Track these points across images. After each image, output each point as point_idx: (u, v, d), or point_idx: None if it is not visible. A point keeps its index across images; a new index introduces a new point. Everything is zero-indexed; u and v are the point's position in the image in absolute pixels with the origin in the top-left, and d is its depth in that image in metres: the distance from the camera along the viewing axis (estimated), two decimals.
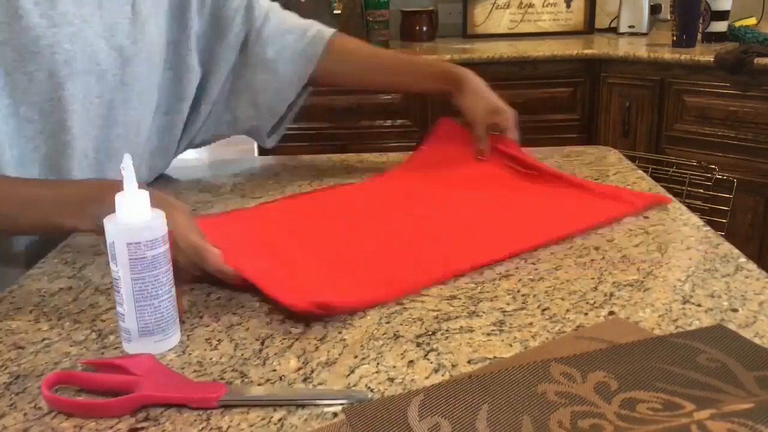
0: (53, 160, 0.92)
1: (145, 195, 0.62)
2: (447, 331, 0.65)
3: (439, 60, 1.03)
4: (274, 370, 0.60)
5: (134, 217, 0.61)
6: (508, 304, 0.70)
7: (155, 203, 0.64)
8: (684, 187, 2.07)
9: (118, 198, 0.61)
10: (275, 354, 0.63)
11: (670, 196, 1.00)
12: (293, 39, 1.13)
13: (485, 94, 1.10)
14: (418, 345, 0.63)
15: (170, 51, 1.05)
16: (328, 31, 1.16)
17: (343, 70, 1.16)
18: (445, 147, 1.16)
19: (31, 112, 0.89)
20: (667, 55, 2.18)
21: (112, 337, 0.66)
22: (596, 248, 0.83)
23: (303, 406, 0.55)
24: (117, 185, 0.64)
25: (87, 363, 0.61)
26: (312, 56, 1.13)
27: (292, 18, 1.16)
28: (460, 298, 0.72)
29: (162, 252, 0.61)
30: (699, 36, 2.32)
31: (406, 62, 1.21)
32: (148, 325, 0.62)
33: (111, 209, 0.63)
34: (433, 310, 0.69)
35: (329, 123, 2.44)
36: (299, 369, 0.60)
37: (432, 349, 0.62)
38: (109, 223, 0.61)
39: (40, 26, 0.86)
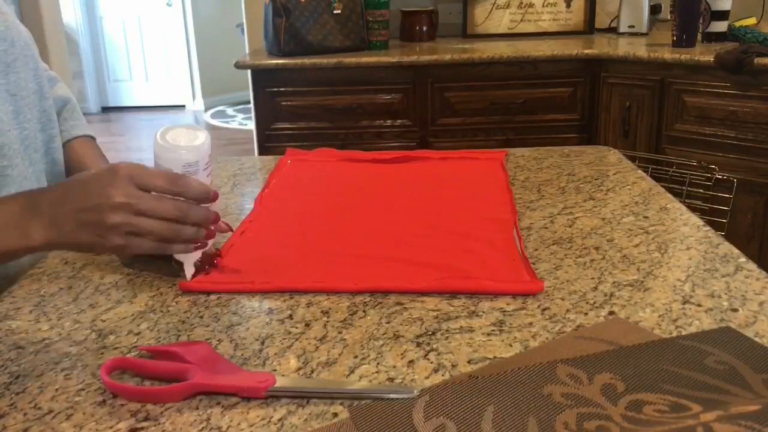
0: None
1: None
2: (447, 331, 0.65)
3: None
4: (275, 370, 0.60)
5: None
6: (508, 304, 0.70)
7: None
8: (684, 187, 2.07)
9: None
10: (275, 354, 0.62)
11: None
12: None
13: None
14: (418, 345, 0.63)
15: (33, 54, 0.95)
16: (76, 131, 1.04)
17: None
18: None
19: None
20: (667, 55, 2.17)
21: (112, 337, 0.66)
22: (596, 248, 0.83)
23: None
24: (35, 193, 0.68)
25: (145, 350, 0.63)
26: None
27: (59, 89, 1.06)
28: (460, 298, 0.72)
29: None
30: (699, 36, 2.32)
31: None
32: None
33: (50, 214, 0.65)
34: (433, 310, 0.69)
35: (329, 123, 2.44)
36: (299, 369, 0.60)
37: (432, 349, 0.62)
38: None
39: None
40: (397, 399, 0.54)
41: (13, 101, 0.88)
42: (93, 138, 1.08)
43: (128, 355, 0.63)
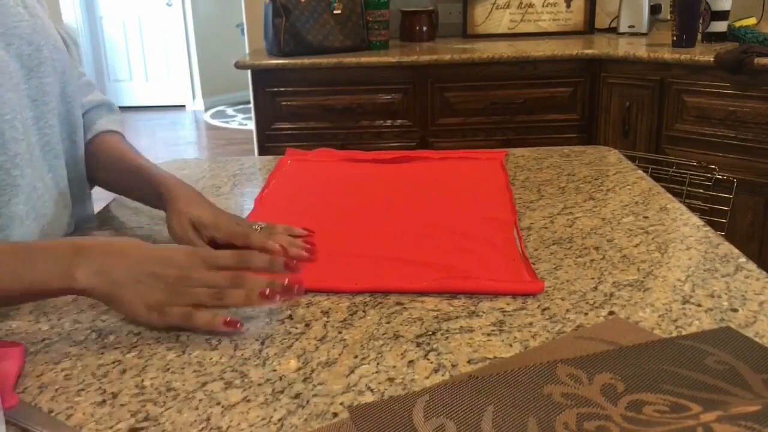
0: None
1: None
2: (447, 331, 0.65)
3: (166, 177, 0.89)
4: (274, 370, 0.60)
5: None
6: (508, 304, 0.70)
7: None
8: (684, 187, 2.07)
9: None
10: (275, 354, 0.62)
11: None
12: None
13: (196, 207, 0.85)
14: (418, 345, 0.63)
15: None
16: (104, 126, 1.02)
17: (92, 164, 1.00)
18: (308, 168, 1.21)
19: None
20: (667, 55, 2.18)
21: (111, 337, 0.66)
22: (596, 248, 0.83)
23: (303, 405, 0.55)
24: (85, 239, 0.69)
25: None
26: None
27: (94, 96, 1.05)
28: (460, 298, 0.72)
29: None
30: (699, 36, 2.32)
31: (137, 176, 0.93)
32: None
33: (99, 261, 0.64)
34: (433, 310, 0.69)
35: (329, 123, 2.44)
36: (299, 369, 0.60)
37: (432, 349, 0.62)
38: None
39: None
40: None
41: (34, 107, 0.86)
42: (122, 135, 1.04)
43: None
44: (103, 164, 0.98)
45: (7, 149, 0.80)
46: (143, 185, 0.91)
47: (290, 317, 0.69)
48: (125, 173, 0.95)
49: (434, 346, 0.63)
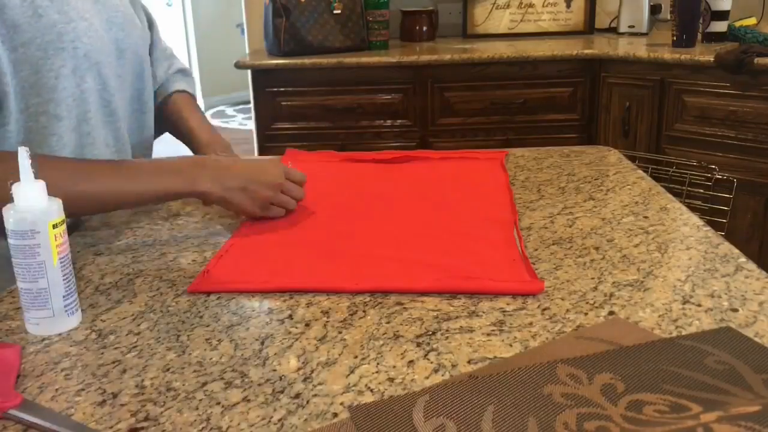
0: (78, 153, 0.95)
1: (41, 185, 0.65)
2: (447, 331, 0.65)
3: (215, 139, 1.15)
4: (274, 370, 0.60)
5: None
6: (508, 304, 0.70)
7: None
8: (684, 187, 2.07)
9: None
10: (275, 354, 0.63)
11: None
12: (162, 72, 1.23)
13: None
14: (418, 345, 0.63)
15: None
16: (174, 87, 1.22)
17: (158, 123, 1.19)
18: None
19: (60, 109, 0.92)
20: (667, 55, 2.17)
21: (111, 337, 0.66)
22: (596, 248, 0.83)
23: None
24: (205, 157, 0.94)
25: None
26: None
27: (174, 65, 1.25)
28: (460, 298, 0.72)
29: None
30: (699, 36, 2.32)
31: (196, 133, 1.17)
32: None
33: (214, 173, 0.86)
34: (433, 310, 0.69)
35: (329, 123, 2.44)
36: (299, 369, 0.60)
37: (432, 349, 0.62)
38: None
39: (60, 22, 0.90)
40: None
41: (120, 82, 1.04)
42: (193, 96, 1.24)
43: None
44: (166, 122, 1.19)
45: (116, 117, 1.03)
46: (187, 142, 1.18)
47: (290, 317, 0.69)
48: (177, 131, 1.20)
49: (434, 346, 0.63)
